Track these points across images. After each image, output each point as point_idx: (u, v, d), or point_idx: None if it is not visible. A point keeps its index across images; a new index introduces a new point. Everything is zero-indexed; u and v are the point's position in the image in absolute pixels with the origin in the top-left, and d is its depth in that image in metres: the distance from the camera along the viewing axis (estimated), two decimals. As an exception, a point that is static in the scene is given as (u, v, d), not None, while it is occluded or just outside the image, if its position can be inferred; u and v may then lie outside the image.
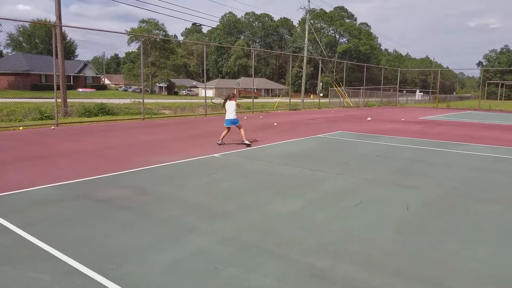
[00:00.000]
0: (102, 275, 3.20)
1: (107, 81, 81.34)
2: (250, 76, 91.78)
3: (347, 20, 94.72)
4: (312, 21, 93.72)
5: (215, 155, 8.59)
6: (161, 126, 14.52)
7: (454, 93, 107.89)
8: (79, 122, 14.73)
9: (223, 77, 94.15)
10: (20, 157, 8.02)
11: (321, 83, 79.52)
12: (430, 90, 60.64)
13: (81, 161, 7.75)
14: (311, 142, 10.93)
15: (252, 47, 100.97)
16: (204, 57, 19.39)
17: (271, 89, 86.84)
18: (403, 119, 20.04)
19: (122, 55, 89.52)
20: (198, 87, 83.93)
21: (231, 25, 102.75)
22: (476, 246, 3.95)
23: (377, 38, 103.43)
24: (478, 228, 4.47)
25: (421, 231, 4.33)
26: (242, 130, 10.09)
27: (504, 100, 71.42)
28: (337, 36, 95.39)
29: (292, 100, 28.48)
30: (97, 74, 73.29)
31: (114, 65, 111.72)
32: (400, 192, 5.91)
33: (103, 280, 3.13)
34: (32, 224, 4.31)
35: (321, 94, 65.84)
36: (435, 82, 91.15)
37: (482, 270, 3.44)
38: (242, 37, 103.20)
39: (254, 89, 26.03)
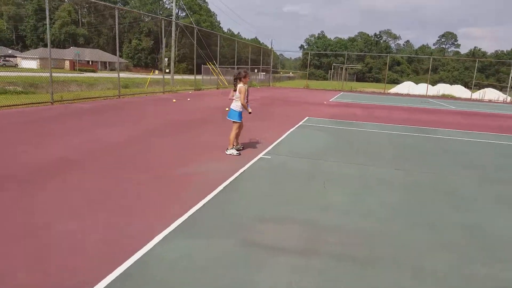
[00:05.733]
0: None
1: None
2: (80, 46, 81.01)
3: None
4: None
5: (260, 156, 6.91)
6: (87, 114, 11.15)
7: (281, 73, 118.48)
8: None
9: (45, 46, 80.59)
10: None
11: (166, 59, 76.23)
12: (271, 70, 64.89)
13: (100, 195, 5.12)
14: (311, 133, 9.90)
15: (80, 14, 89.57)
16: (116, 25, 15.62)
17: (109, 62, 78.96)
18: (325, 102, 20.57)
19: None
20: (16, 57, 70.15)
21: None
22: None
23: (216, 15, 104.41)
24: None
25: None
26: (232, 131, 6.94)
27: (322, 80, 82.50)
28: (177, 10, 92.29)
29: (138, 76, 25.80)
30: None
31: None
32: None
33: None
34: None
35: (167, 70, 63.00)
36: (267, 62, 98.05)
37: None
38: (67, 0, 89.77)
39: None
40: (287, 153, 7.32)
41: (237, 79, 6.79)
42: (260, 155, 6.93)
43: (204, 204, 4.44)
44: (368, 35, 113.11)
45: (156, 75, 35.82)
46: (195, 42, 23.81)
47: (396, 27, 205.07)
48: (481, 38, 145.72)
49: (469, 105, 26.76)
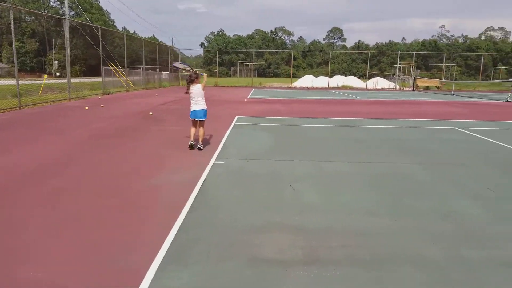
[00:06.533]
0: None
1: None
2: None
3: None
4: (32, -13, 79.56)
5: (213, 162, 6.58)
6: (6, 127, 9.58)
7: (183, 71, 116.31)
8: None
9: None
10: None
11: (56, 61, 69.62)
12: (181, 69, 63.42)
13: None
14: (250, 133, 9.68)
15: None
16: (12, 25, 13.49)
17: (-14, 68, 69.61)
18: (245, 99, 20.41)
19: None
20: None
21: None
22: None
23: (110, 14, 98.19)
24: None
25: None
26: (203, 129, 7.59)
27: (225, 77, 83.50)
28: (65, 9, 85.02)
29: (25, 82, 23.20)
30: None
31: None
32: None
33: None
34: None
35: (58, 74, 57.57)
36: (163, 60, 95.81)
37: None
38: None
39: (68, 65, 20.34)
40: (238, 156, 7.11)
41: (190, 82, 7.40)
42: (213, 161, 6.62)
43: (182, 222, 4.05)
44: (265, 32, 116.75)
45: (49, 80, 32.41)
46: (100, 43, 22.12)
47: (290, 24, 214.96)
48: (363, 32, 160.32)
49: (369, 94, 29.08)
